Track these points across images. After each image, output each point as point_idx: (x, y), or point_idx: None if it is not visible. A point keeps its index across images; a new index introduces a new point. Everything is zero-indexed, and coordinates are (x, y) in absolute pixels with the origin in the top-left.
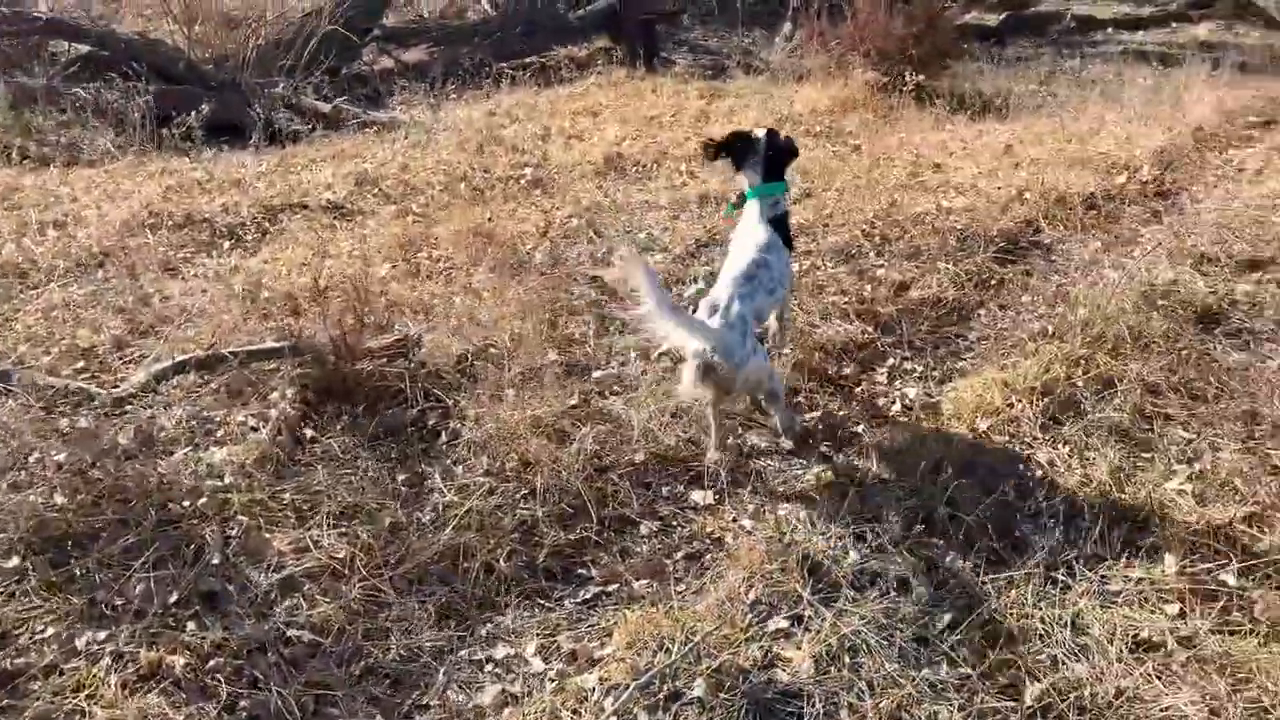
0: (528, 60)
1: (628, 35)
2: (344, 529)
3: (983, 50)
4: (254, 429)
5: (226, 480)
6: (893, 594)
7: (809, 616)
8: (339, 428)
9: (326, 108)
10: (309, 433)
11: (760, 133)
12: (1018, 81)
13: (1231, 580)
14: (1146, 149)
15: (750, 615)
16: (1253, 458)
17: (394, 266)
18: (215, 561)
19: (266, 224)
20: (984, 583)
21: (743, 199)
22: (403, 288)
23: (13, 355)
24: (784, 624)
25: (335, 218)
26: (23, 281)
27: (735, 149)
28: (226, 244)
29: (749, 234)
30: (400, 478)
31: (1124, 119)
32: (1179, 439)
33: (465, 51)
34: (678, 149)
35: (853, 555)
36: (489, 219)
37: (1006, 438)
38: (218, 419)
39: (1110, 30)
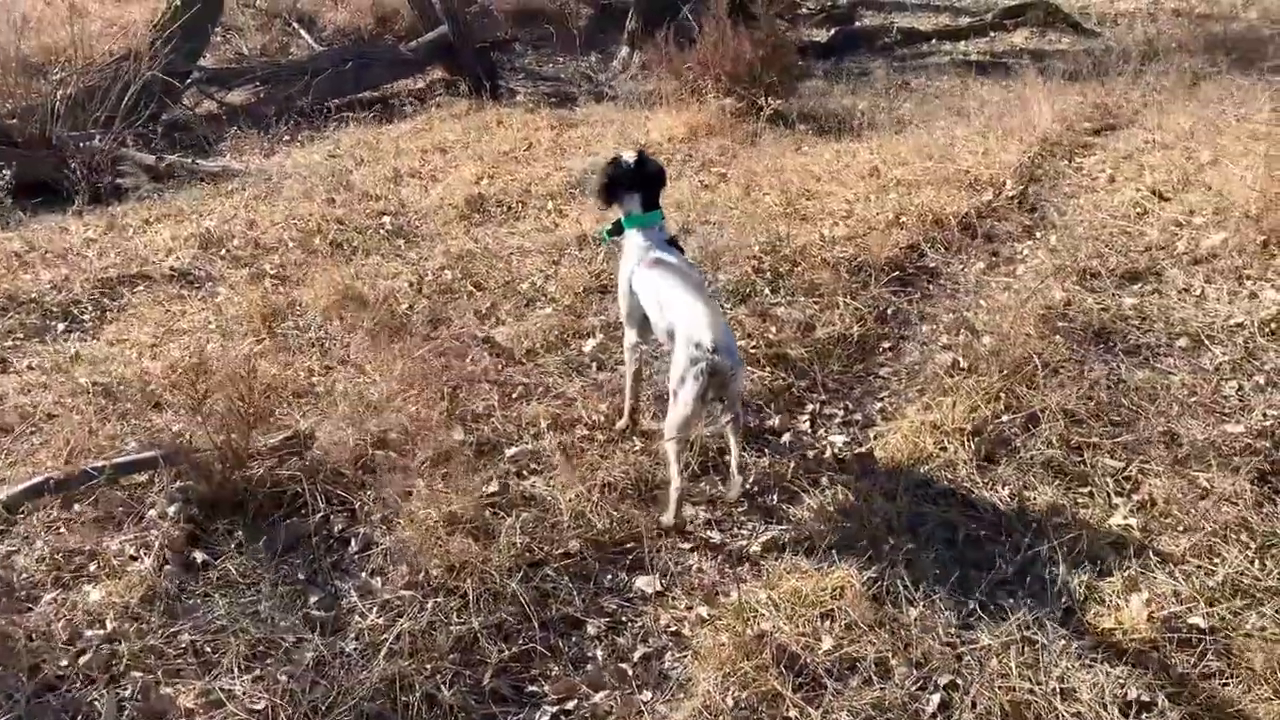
0: (363, 96)
1: (466, 65)
2: (258, 672)
3: (820, 68)
4: (134, 558)
5: (110, 627)
6: (875, 680)
7: (795, 718)
8: (233, 546)
9: (152, 160)
10: (199, 556)
11: (630, 156)
12: (862, 98)
13: (1201, 622)
14: (1004, 163)
15: None
16: (1182, 481)
17: (259, 341)
18: None
19: (105, 300)
20: (961, 654)
21: (619, 227)
22: (273, 365)
23: None
24: None
25: (182, 287)
26: None
27: (619, 184)
28: (61, 326)
29: (663, 263)
30: (313, 600)
31: (974, 133)
32: (1111, 469)
33: (295, 90)
34: (540, 185)
35: (826, 642)
36: (355, 277)
37: (946, 483)
38: (88, 550)
39: (934, 41)
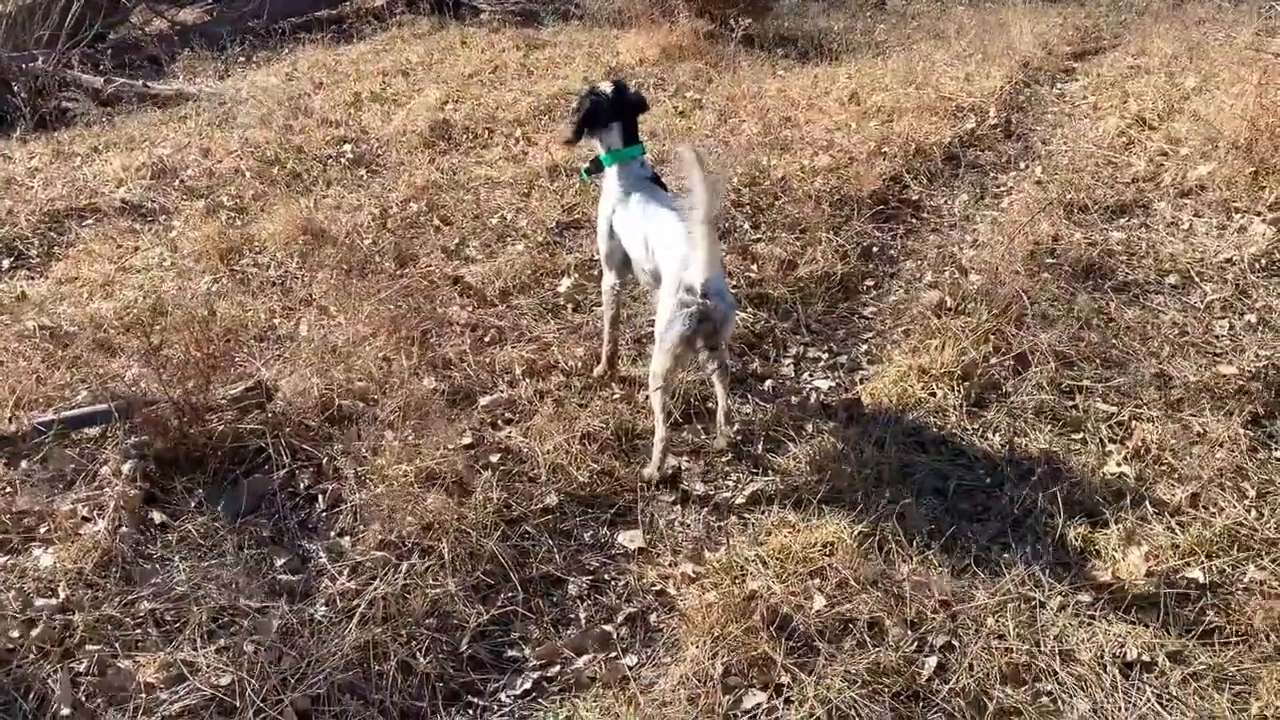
0: (321, 14)
1: None
2: (223, 642)
3: None
4: (87, 519)
5: (63, 595)
6: (869, 643)
7: (787, 684)
8: (194, 505)
9: (100, 83)
10: (158, 517)
11: (607, 87)
12: (837, 19)
13: (1200, 576)
14: (986, 90)
15: (725, 696)
16: (1176, 426)
17: (216, 280)
18: (65, 712)
19: (52, 234)
20: (956, 614)
21: (598, 164)
22: (232, 306)
23: None
24: (761, 698)
25: (134, 220)
26: None
27: (596, 118)
28: (5, 264)
29: (648, 201)
30: (279, 562)
31: (954, 57)
32: (1103, 413)
33: (250, 8)
34: (508, 111)
35: (818, 601)
36: (314, 208)
37: (936, 430)
38: (38, 511)
39: None
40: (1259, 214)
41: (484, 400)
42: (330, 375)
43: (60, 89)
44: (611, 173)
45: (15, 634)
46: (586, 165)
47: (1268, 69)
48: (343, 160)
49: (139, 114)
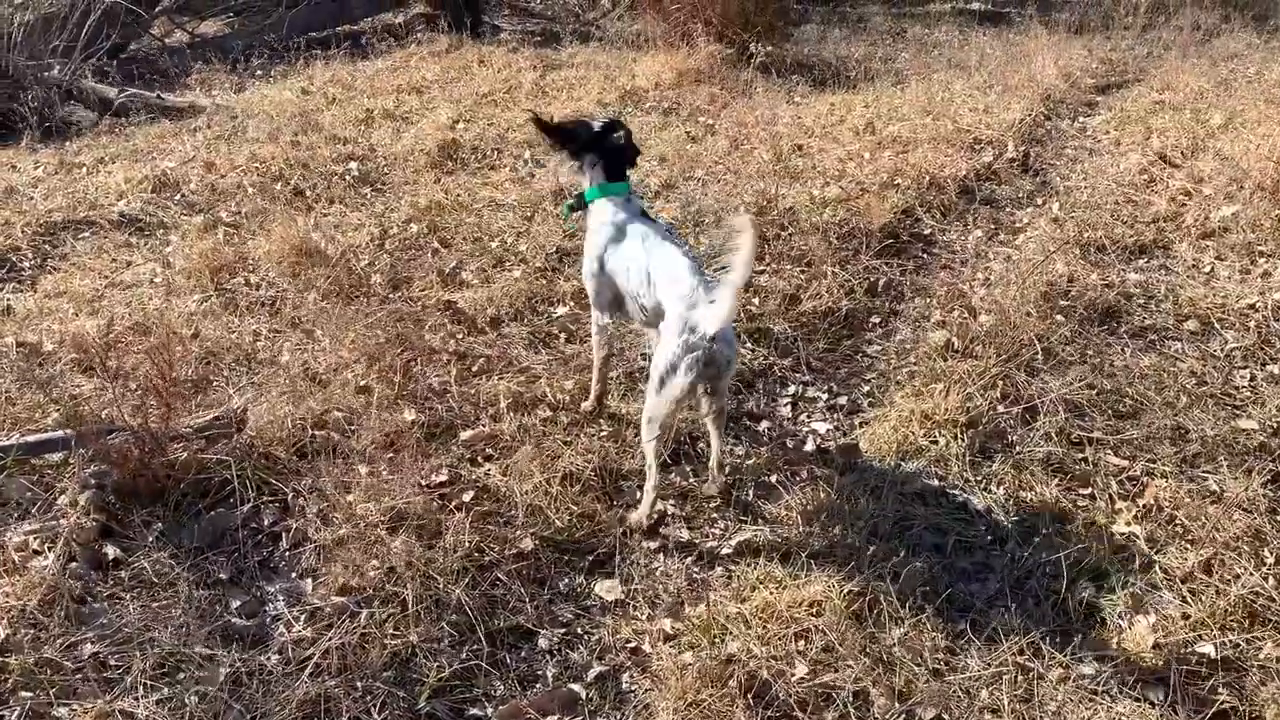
0: (340, 30)
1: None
2: (166, 690)
3: (817, 13)
4: (37, 552)
5: (2, 635)
6: (852, 714)
7: None
8: (151, 540)
9: (114, 93)
10: (111, 551)
11: (599, 124)
12: (858, 47)
13: (1212, 651)
14: (1005, 122)
15: None
16: (1191, 485)
17: (205, 299)
18: None
19: (47, 247)
20: (948, 683)
21: (581, 201)
22: (217, 327)
23: None
24: None
25: (131, 234)
26: None
27: (574, 139)
28: None
29: (649, 234)
30: (234, 604)
31: (974, 88)
32: (1114, 468)
33: (269, 22)
34: (518, 132)
35: (800, 668)
36: (314, 227)
37: (936, 482)
38: None
39: None
40: None
41: (465, 434)
42: (305, 404)
43: (72, 98)
44: (601, 207)
45: None
46: (569, 201)
47: None
48: (348, 178)
49: (149, 125)
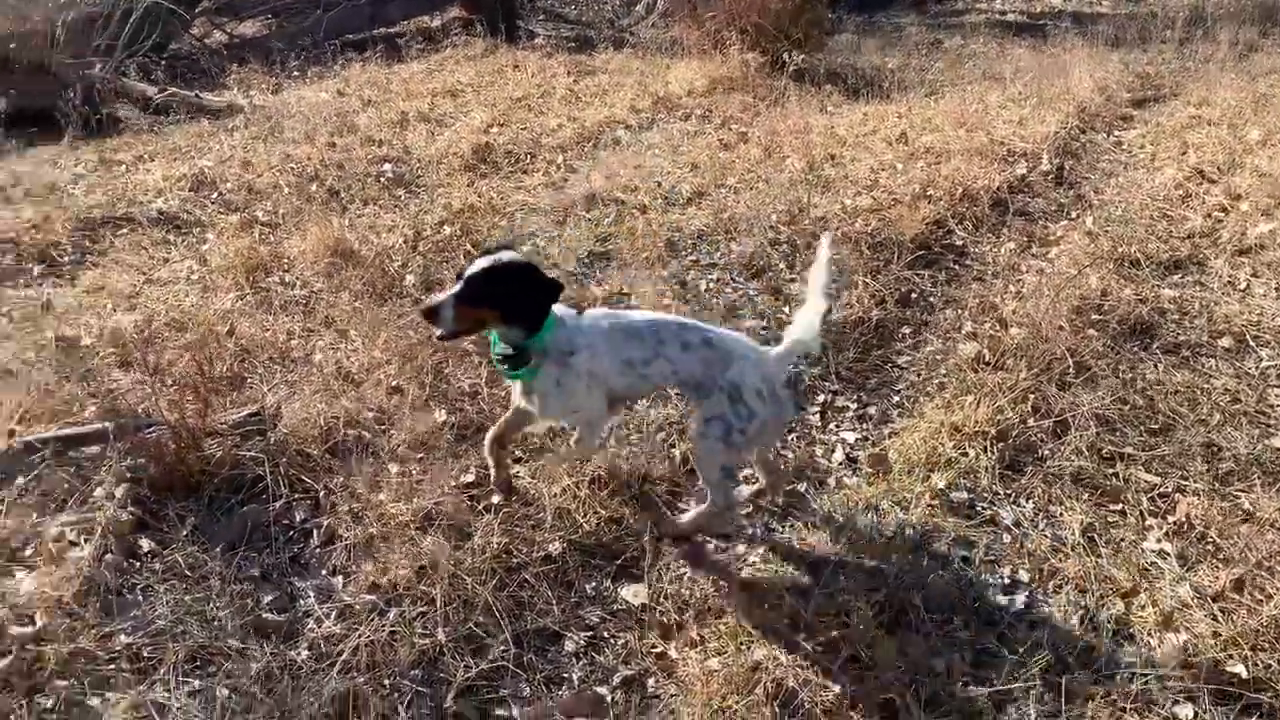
0: (377, 32)
1: (485, 3)
2: (198, 683)
3: (852, 22)
4: (74, 543)
5: (39, 624)
6: None
7: None
8: (185, 534)
9: (154, 92)
10: (146, 544)
11: (480, 266)
12: (893, 57)
13: (1243, 671)
14: (1040, 134)
15: None
16: (1223, 502)
17: (240, 297)
18: None
19: (86, 242)
20: (976, 698)
21: (522, 354)
22: (252, 325)
23: None
24: None
25: (169, 231)
26: None
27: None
28: (36, 270)
29: (625, 318)
30: (266, 599)
31: (1009, 99)
32: (1145, 484)
33: (308, 24)
34: (552, 137)
35: (835, 687)
36: (348, 227)
37: (965, 494)
38: (25, 534)
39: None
40: None
41: None
42: (338, 403)
43: (114, 97)
44: (551, 333)
45: None
46: (504, 366)
47: None
48: (382, 179)
49: (188, 125)
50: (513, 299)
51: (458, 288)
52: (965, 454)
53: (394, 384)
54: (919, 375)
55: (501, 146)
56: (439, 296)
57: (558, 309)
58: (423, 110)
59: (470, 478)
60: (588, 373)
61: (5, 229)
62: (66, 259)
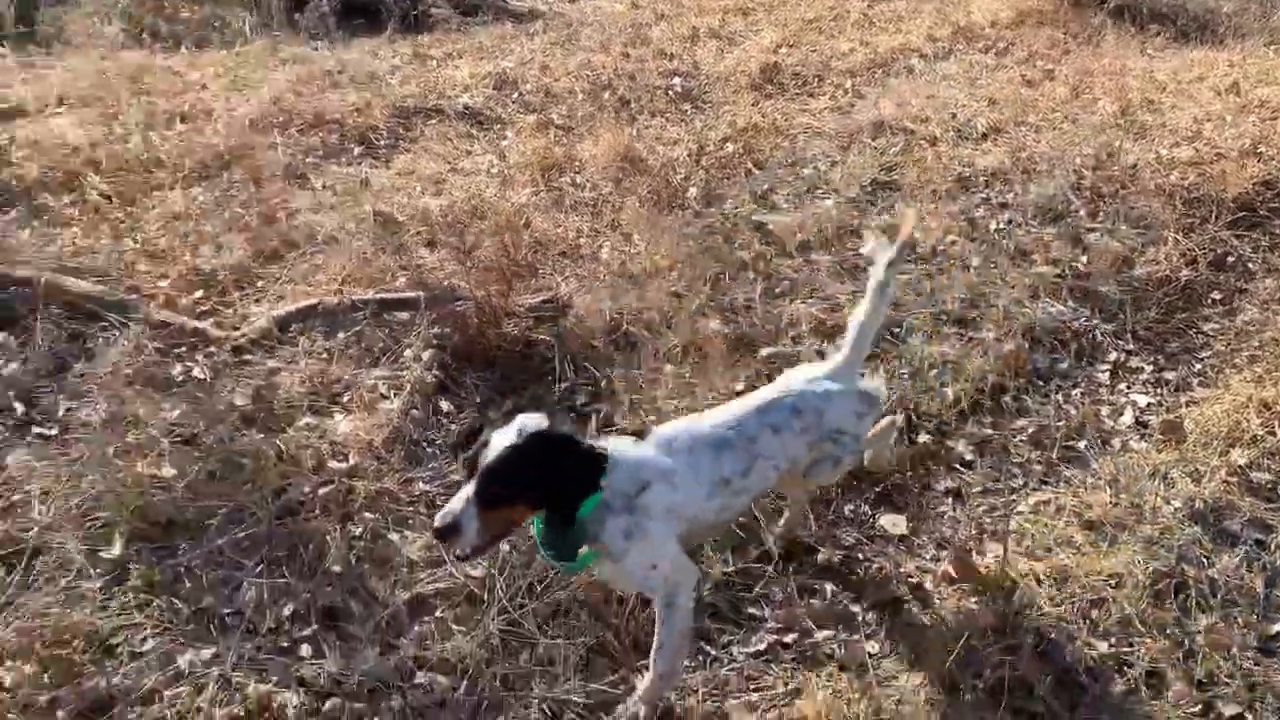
0: None
1: None
2: None
3: None
4: (384, 396)
5: (352, 461)
6: (1144, 691)
7: (1042, 715)
8: (477, 402)
9: None
10: (445, 405)
11: (499, 448)
12: None
13: None
14: None
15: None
16: None
17: (535, 193)
18: (337, 570)
19: (400, 129)
20: (1254, 684)
21: (573, 539)
22: (546, 220)
23: (130, 276)
24: None
25: (472, 125)
26: (146, 179)
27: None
28: (357, 150)
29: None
30: None
31: None
32: None
33: None
34: (842, 61)
35: (1101, 646)
36: (636, 137)
37: (1268, 475)
38: (345, 381)
39: None
40: None
41: (765, 351)
42: (622, 301)
43: None
44: (613, 486)
45: (306, 489)
46: (551, 553)
47: None
48: (671, 93)
49: (494, 26)
50: (553, 482)
51: (474, 486)
52: (1273, 433)
53: (673, 289)
54: (1227, 345)
55: (789, 67)
56: (452, 505)
57: (609, 444)
58: (713, 26)
59: (740, 385)
60: (665, 511)
61: (334, 110)
62: (382, 142)
